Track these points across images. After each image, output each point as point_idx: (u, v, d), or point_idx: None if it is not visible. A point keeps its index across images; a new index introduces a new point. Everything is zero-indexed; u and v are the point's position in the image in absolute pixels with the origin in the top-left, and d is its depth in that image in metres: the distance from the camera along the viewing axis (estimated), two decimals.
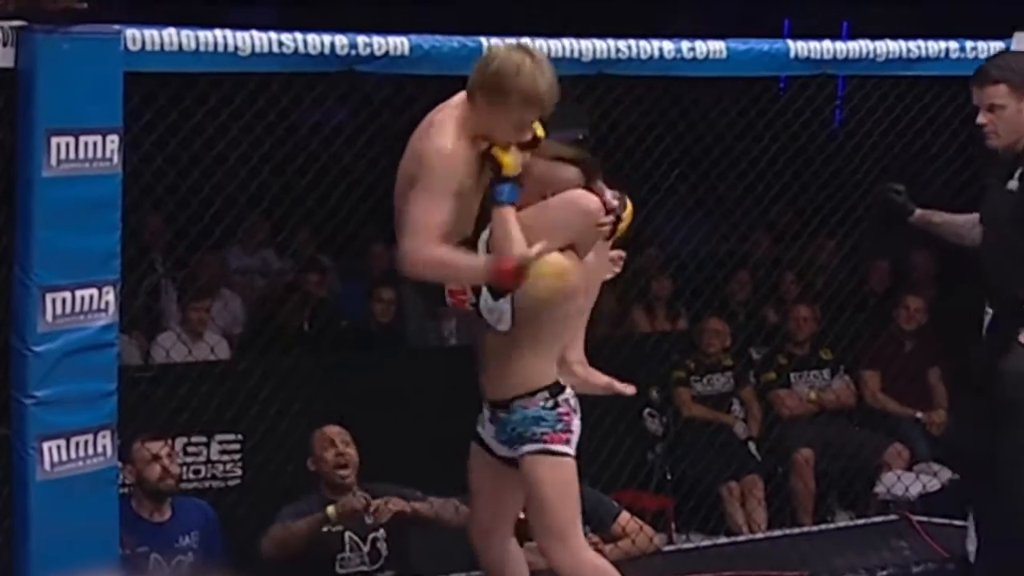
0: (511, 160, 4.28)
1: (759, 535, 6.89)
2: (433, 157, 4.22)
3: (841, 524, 7.03)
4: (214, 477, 7.13)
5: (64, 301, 4.33)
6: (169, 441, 5.67)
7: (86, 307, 4.38)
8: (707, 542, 6.58)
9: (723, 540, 6.63)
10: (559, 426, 4.43)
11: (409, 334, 7.98)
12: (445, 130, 4.25)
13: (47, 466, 4.36)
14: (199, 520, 5.62)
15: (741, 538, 6.80)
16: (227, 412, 6.48)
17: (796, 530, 6.82)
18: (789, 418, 7.65)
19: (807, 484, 7.42)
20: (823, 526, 6.94)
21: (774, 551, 6.15)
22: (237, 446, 7.14)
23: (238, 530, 5.88)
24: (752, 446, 7.61)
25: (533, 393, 4.45)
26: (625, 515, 6.11)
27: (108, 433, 4.49)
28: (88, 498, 4.44)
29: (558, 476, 4.42)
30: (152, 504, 5.58)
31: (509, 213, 4.27)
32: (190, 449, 7.00)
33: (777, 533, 6.78)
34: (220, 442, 7.12)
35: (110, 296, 4.43)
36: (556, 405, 4.45)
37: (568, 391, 4.51)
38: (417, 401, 6.78)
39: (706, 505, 7.03)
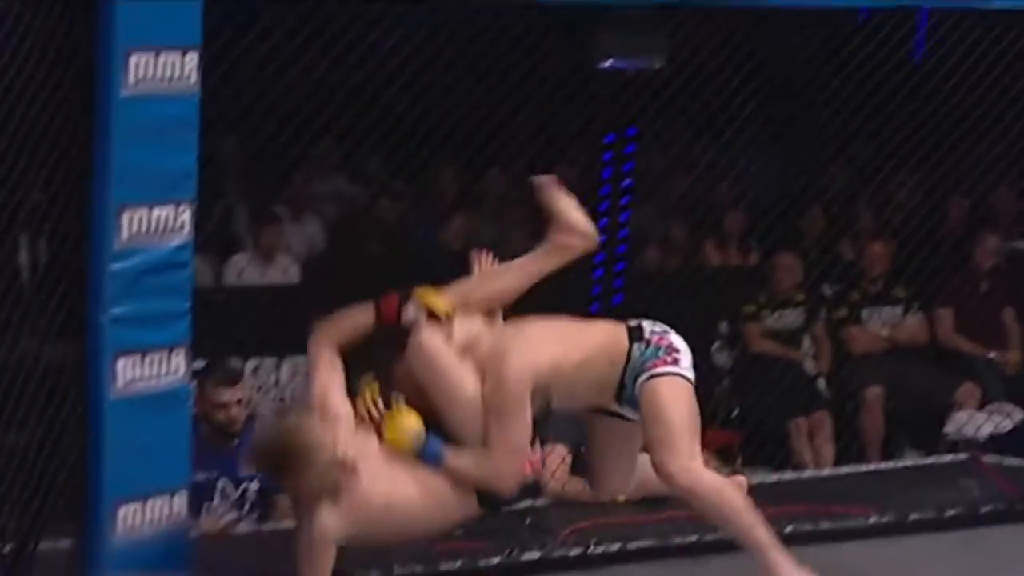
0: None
1: (826, 471, 6.88)
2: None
3: (909, 462, 7.01)
4: (283, 399, 7.20)
5: (140, 219, 4.37)
6: (240, 384, 5.68)
7: (162, 226, 4.42)
8: (773, 477, 6.59)
9: (789, 476, 6.64)
10: (660, 352, 4.57)
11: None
12: None
13: (121, 383, 4.42)
14: None
15: (807, 474, 6.79)
16: (297, 335, 6.53)
17: (864, 467, 6.83)
18: (860, 355, 7.61)
19: (876, 422, 7.39)
20: (891, 464, 6.94)
21: (841, 488, 6.14)
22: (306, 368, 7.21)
23: None
24: (821, 383, 7.58)
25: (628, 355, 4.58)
26: None
27: (182, 352, 4.54)
28: (161, 416, 4.51)
29: (666, 391, 4.52)
30: (223, 439, 5.63)
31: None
32: (260, 371, 7.07)
33: (844, 470, 6.78)
34: (291, 364, 7.19)
35: (186, 215, 4.48)
36: (647, 343, 4.58)
37: (648, 326, 4.63)
38: None
39: (773, 441, 7.03)
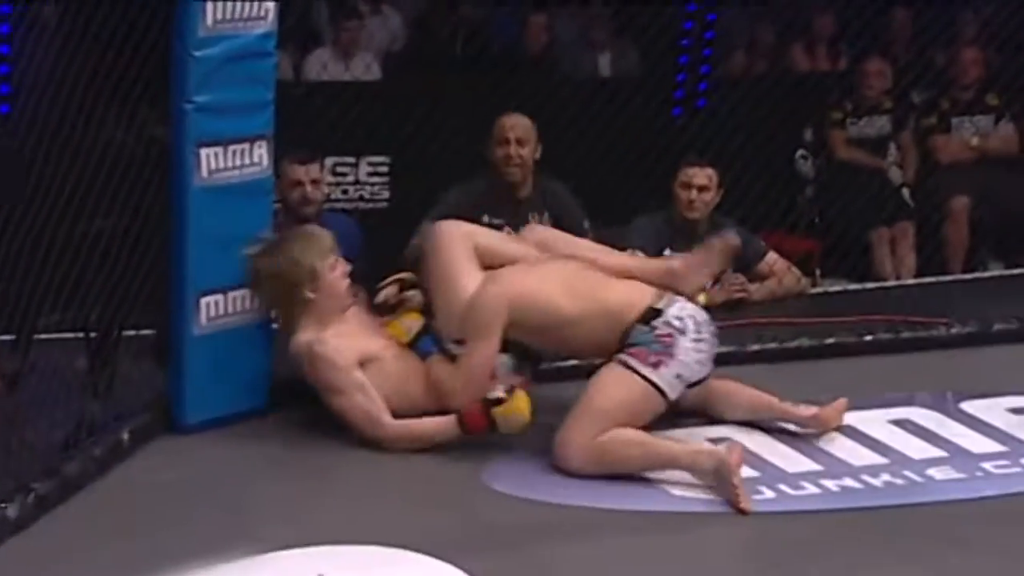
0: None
1: (908, 281, 6.85)
2: None
3: (993, 273, 6.97)
4: (361, 198, 7.22)
5: (225, 6, 4.36)
6: (316, 164, 5.65)
7: (246, 13, 4.40)
8: (854, 286, 6.57)
9: (871, 285, 6.62)
10: (652, 346, 4.42)
11: (563, 63, 7.91)
12: None
13: (204, 172, 4.43)
14: (344, 234, 5.67)
15: (889, 284, 6.77)
16: (377, 133, 6.53)
17: (946, 278, 6.79)
18: (947, 164, 7.49)
19: (961, 233, 7.30)
20: (974, 275, 6.89)
21: (922, 298, 6.14)
22: (386, 168, 7.21)
23: (382, 251, 5.96)
24: (906, 192, 7.49)
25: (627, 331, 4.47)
26: (773, 255, 6.13)
27: (264, 143, 4.55)
28: (243, 206, 4.53)
29: (613, 382, 4.42)
30: (297, 223, 5.63)
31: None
32: (339, 169, 7.07)
33: (927, 280, 6.75)
34: (369, 163, 7.19)
35: (270, 3, 4.45)
36: (652, 329, 4.44)
37: (674, 312, 4.48)
38: (568, 132, 6.74)
39: (855, 251, 6.98)
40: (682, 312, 4.48)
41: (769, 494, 4.32)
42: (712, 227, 6.08)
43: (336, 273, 4.57)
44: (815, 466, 4.51)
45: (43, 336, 4.62)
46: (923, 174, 7.47)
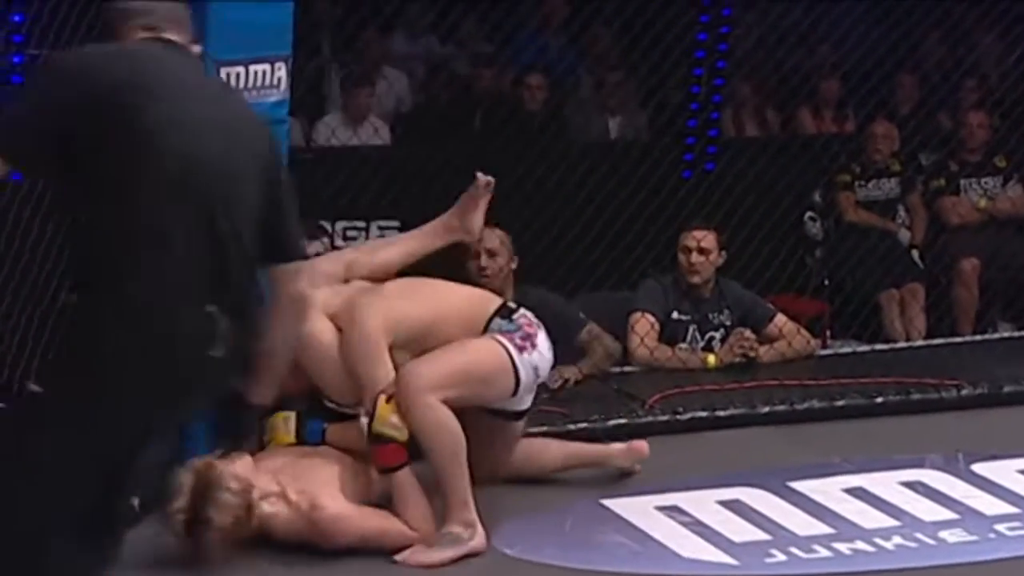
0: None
1: (918, 343, 6.88)
2: None
3: (1004, 335, 7.00)
4: None
5: (238, 76, 4.41)
6: (320, 241, 5.75)
7: (259, 82, 4.46)
8: (864, 348, 6.60)
9: (881, 347, 6.65)
10: (515, 330, 4.45)
11: (571, 126, 7.98)
12: None
13: None
14: None
15: (899, 345, 6.80)
16: (386, 197, 6.59)
17: (956, 339, 6.82)
18: (956, 226, 7.55)
19: (971, 293, 7.34)
20: (984, 336, 6.92)
21: (932, 359, 6.16)
22: (395, 232, 7.26)
23: None
24: (915, 254, 7.54)
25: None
26: (781, 317, 6.17)
27: None
28: None
29: (478, 344, 4.41)
30: None
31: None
32: (349, 233, 7.12)
33: (937, 341, 6.78)
34: (379, 227, 7.25)
35: (282, 72, 4.52)
36: (511, 320, 4.48)
37: (523, 309, 4.55)
38: (577, 196, 6.81)
39: (864, 312, 7.02)
40: (529, 312, 4.55)
41: (781, 557, 4.35)
42: (718, 290, 6.15)
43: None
44: (827, 529, 4.53)
45: None
46: (932, 236, 7.52)
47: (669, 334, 6.06)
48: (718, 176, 7.31)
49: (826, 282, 7.51)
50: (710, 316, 6.12)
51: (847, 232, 7.51)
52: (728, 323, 6.12)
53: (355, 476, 4.35)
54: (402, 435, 4.27)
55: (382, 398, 4.29)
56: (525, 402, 4.55)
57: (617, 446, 4.81)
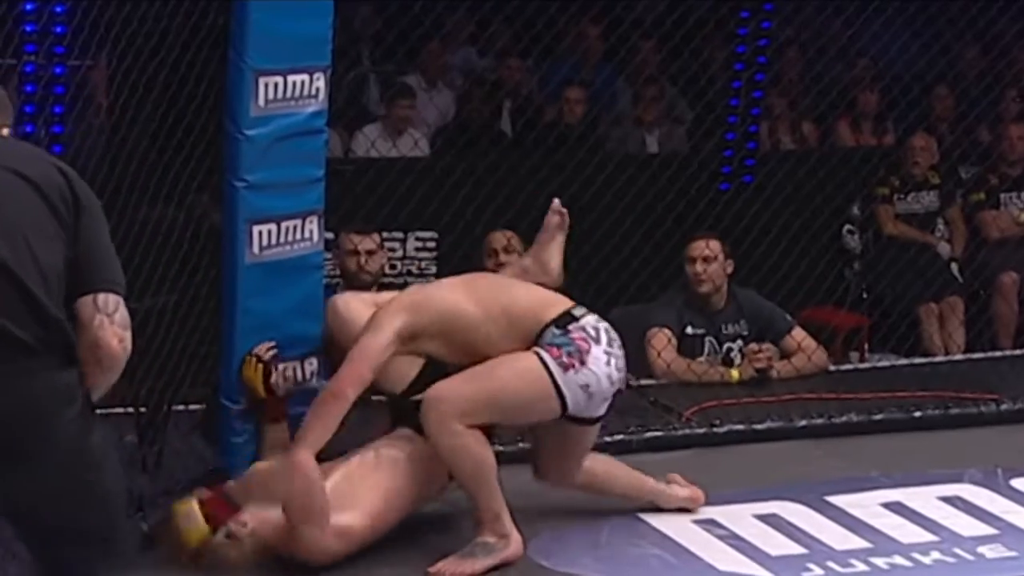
0: None
1: (957, 357, 6.83)
2: None
3: None
4: (409, 273, 7.28)
5: (276, 86, 4.42)
6: (371, 236, 5.76)
7: (297, 92, 4.46)
8: (902, 362, 6.56)
9: (919, 361, 6.61)
10: (565, 346, 4.24)
11: (609, 139, 7.97)
12: None
13: (256, 249, 4.49)
14: None
15: (938, 359, 6.76)
16: (425, 209, 6.59)
17: (996, 354, 6.77)
18: (996, 240, 7.50)
19: (1011, 308, 7.28)
20: None
21: (972, 374, 6.12)
22: (433, 243, 7.27)
23: None
24: (955, 267, 7.49)
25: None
26: (800, 331, 6.10)
27: (315, 219, 4.60)
28: (294, 281, 4.57)
29: (518, 365, 4.24)
30: (354, 291, 5.72)
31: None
32: (387, 244, 7.12)
33: (976, 356, 6.73)
34: (417, 238, 7.26)
35: (320, 83, 4.51)
36: (566, 332, 4.27)
37: (591, 321, 4.32)
38: (615, 209, 6.79)
39: (903, 325, 6.98)
40: (598, 323, 4.33)
41: (818, 571, 4.31)
42: (732, 300, 6.11)
43: None
44: (864, 543, 4.49)
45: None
46: (972, 249, 7.47)
47: (686, 350, 6.03)
48: (756, 189, 7.28)
49: (864, 295, 7.48)
50: (725, 327, 6.08)
51: (886, 245, 7.48)
52: (745, 333, 6.08)
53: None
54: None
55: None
56: (600, 409, 4.38)
57: (678, 491, 4.68)
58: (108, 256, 3.21)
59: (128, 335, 3.20)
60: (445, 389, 4.23)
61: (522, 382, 4.24)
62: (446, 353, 4.35)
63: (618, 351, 4.34)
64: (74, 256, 3.14)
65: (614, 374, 4.31)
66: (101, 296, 3.16)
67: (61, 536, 3.18)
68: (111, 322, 3.16)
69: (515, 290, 4.43)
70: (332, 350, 4.55)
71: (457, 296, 4.37)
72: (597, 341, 4.28)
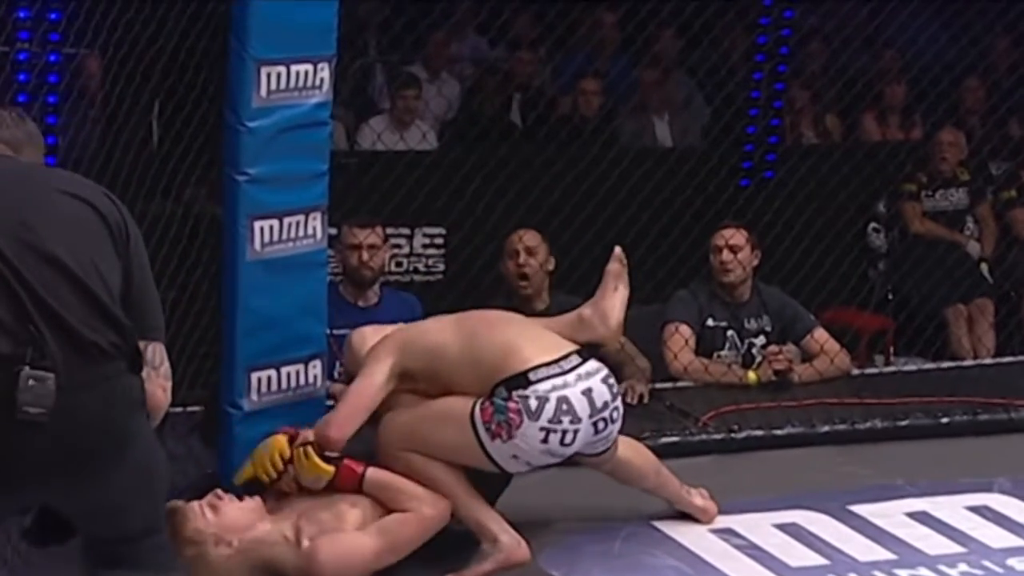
0: None
1: (987, 360, 6.83)
2: None
3: None
4: (416, 271, 7.29)
5: (279, 76, 4.42)
6: (375, 230, 5.77)
7: (301, 83, 4.47)
8: (929, 366, 6.56)
9: (947, 365, 6.60)
10: (499, 416, 4.19)
11: (624, 132, 7.98)
12: None
13: (258, 246, 4.49)
14: (406, 312, 5.75)
15: (967, 363, 6.75)
16: (432, 204, 6.60)
17: None
18: None
19: None
20: None
21: (1001, 378, 6.12)
22: (441, 240, 7.29)
23: None
24: (985, 267, 7.49)
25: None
26: (822, 333, 6.10)
27: (319, 215, 4.60)
28: (296, 279, 4.58)
29: (451, 431, 4.23)
30: (357, 290, 5.75)
31: None
32: (393, 241, 7.13)
33: (1006, 360, 6.73)
34: (425, 234, 7.27)
35: (325, 73, 4.51)
36: (507, 397, 4.20)
37: (543, 386, 4.20)
38: (631, 204, 6.80)
39: (930, 328, 6.98)
40: (551, 392, 4.19)
41: None
42: (756, 295, 6.12)
43: None
44: (888, 555, 4.49)
45: None
46: (1002, 249, 7.47)
47: (706, 343, 6.03)
48: (777, 184, 7.28)
49: (890, 296, 7.48)
50: (747, 322, 6.09)
51: (913, 244, 7.48)
52: (768, 329, 6.08)
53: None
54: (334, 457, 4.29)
55: (299, 451, 4.27)
56: (550, 461, 4.32)
57: (695, 498, 4.68)
58: (153, 298, 3.40)
59: (170, 385, 3.41)
60: (388, 418, 4.33)
61: (453, 433, 4.25)
62: (437, 393, 4.36)
63: (570, 425, 4.20)
64: (125, 290, 3.29)
65: (556, 449, 4.23)
66: (150, 348, 3.34)
67: (124, 540, 3.33)
68: (157, 375, 3.36)
69: (496, 334, 4.35)
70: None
71: (445, 337, 4.38)
72: (535, 416, 4.18)
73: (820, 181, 7.14)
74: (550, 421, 4.19)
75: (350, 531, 4.19)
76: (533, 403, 4.18)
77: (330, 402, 4.94)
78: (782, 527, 4.64)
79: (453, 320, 4.49)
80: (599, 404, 4.26)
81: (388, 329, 4.58)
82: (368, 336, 4.55)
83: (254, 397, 4.59)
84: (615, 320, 4.55)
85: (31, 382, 3.10)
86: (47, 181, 3.33)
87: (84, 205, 3.29)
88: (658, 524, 4.62)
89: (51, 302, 3.16)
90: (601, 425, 4.28)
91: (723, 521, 4.65)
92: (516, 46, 8.22)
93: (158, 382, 3.37)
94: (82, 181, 3.40)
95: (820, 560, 4.44)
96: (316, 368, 4.68)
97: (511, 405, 4.18)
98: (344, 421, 4.33)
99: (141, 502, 3.34)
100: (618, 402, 4.34)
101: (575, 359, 4.29)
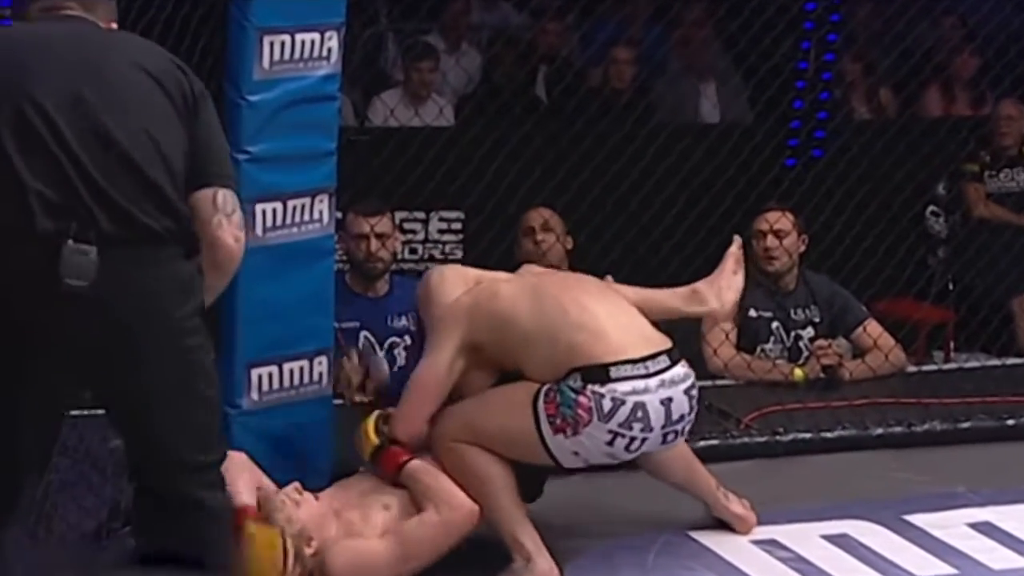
0: None
1: None
2: None
3: None
4: (432, 258, 7.31)
5: (283, 45, 4.43)
6: (385, 217, 5.76)
7: (307, 53, 4.47)
8: (993, 362, 6.55)
9: (1013, 361, 6.59)
10: (565, 410, 4.17)
11: (660, 107, 7.98)
12: None
13: (259, 231, 4.49)
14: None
15: None
16: (450, 185, 6.61)
17: None
18: None
19: None
20: None
21: None
22: (459, 224, 7.30)
23: None
24: None
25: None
26: (876, 327, 6.10)
27: (326, 197, 4.61)
28: (301, 268, 4.60)
29: (512, 420, 4.23)
30: (365, 280, 5.75)
31: None
32: (407, 225, 7.16)
33: None
34: (441, 219, 7.28)
35: (333, 42, 4.52)
36: (579, 391, 4.18)
37: (622, 386, 4.18)
38: (667, 185, 6.81)
39: (995, 321, 6.97)
40: (630, 396, 4.18)
41: None
42: (803, 283, 6.11)
43: None
44: (948, 569, 4.50)
45: (74, 413, 4.71)
46: None
47: (749, 335, 6.03)
48: (827, 164, 7.28)
49: (951, 286, 7.48)
50: (794, 312, 6.09)
51: (975, 229, 7.49)
52: (817, 320, 6.08)
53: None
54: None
55: (369, 417, 4.37)
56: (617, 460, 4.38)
57: (733, 505, 4.67)
58: (223, 151, 3.63)
59: (243, 236, 3.65)
60: (450, 413, 4.34)
61: (514, 423, 4.25)
62: (509, 367, 4.35)
63: (640, 432, 4.20)
64: (191, 150, 3.51)
65: (619, 453, 4.25)
66: (220, 193, 3.55)
67: (165, 444, 3.51)
68: (229, 222, 3.56)
69: (581, 310, 4.30)
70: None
71: (518, 304, 4.33)
72: (606, 418, 4.17)
73: (873, 160, 7.13)
74: (620, 425, 4.19)
75: (368, 537, 4.21)
76: (607, 404, 4.18)
77: (338, 401, 4.98)
78: (831, 538, 4.64)
79: (531, 283, 4.46)
80: (675, 416, 4.27)
81: (472, 273, 4.55)
82: (448, 281, 4.51)
83: (254, 395, 4.60)
84: (732, 298, 4.66)
85: (73, 255, 3.30)
86: (108, 49, 3.50)
87: (146, 76, 3.46)
88: (696, 535, 4.63)
89: (101, 181, 3.34)
90: (671, 437, 4.31)
91: (767, 532, 4.65)
92: (541, 13, 8.21)
93: (230, 230, 3.55)
94: (146, 48, 3.58)
95: (873, 574, 4.44)
96: (322, 365, 4.69)
97: (582, 400, 4.16)
98: (411, 418, 4.37)
99: (187, 408, 3.50)
100: (693, 415, 4.36)
101: (663, 361, 4.28)
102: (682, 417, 4.29)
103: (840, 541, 4.63)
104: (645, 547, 4.53)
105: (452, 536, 4.25)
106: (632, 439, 4.21)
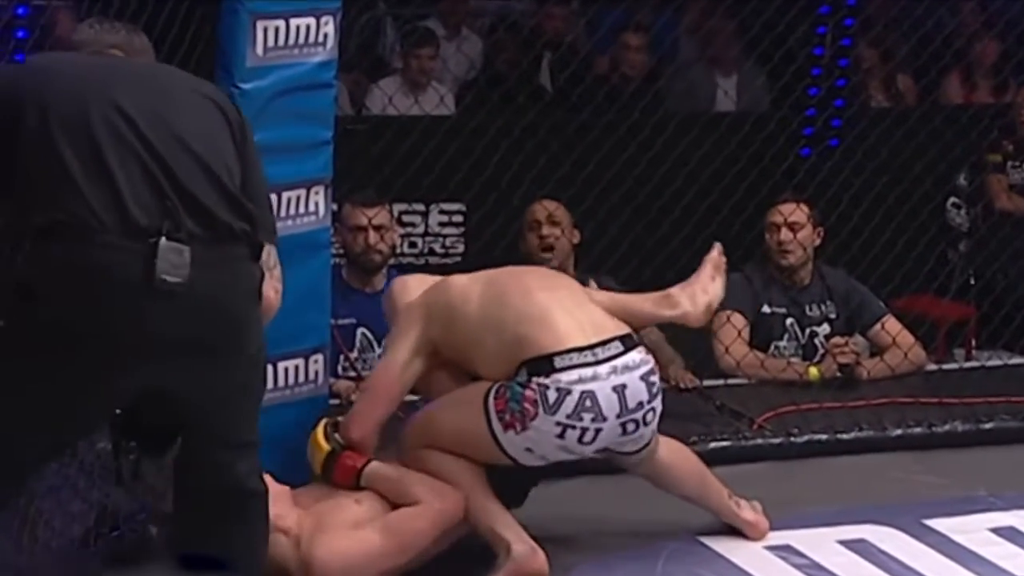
0: None
1: None
2: None
3: None
4: (432, 252, 7.31)
5: (277, 31, 4.44)
6: (383, 208, 5.78)
7: (302, 39, 4.49)
8: (1016, 360, 6.55)
9: None
10: (513, 404, 4.20)
11: (671, 95, 7.98)
12: None
13: None
14: None
15: None
16: (451, 176, 6.61)
17: None
18: None
19: None
20: None
21: None
22: (460, 217, 7.30)
23: None
24: None
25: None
26: (895, 323, 6.11)
27: (322, 189, 4.62)
28: (298, 263, 4.58)
29: (463, 420, 4.28)
30: (362, 275, 5.75)
31: None
32: (406, 219, 7.16)
33: None
34: (442, 211, 7.28)
35: (329, 28, 4.54)
36: (525, 384, 4.21)
37: (567, 375, 4.20)
38: (676, 176, 6.80)
39: (1018, 317, 6.97)
40: (576, 384, 4.18)
41: None
42: (818, 278, 6.11)
43: None
44: (970, 575, 4.50)
45: None
46: None
47: (762, 332, 6.04)
48: (843, 154, 7.27)
49: (972, 281, 7.46)
50: (809, 308, 6.09)
51: (998, 222, 7.47)
52: (833, 316, 6.09)
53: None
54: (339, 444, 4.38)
55: (319, 426, 4.41)
56: (569, 457, 4.40)
57: (745, 512, 4.68)
58: (266, 198, 3.86)
59: (282, 288, 3.90)
60: (415, 418, 4.41)
61: (466, 422, 4.29)
62: (467, 369, 4.40)
63: (592, 423, 4.20)
64: (243, 186, 3.72)
65: (573, 446, 4.25)
66: (264, 249, 3.75)
67: (227, 437, 3.74)
68: (271, 276, 3.80)
69: (528, 300, 4.34)
70: None
71: (468, 296, 4.39)
72: (551, 410, 4.18)
73: (892, 150, 7.12)
74: (569, 417, 4.20)
75: (347, 528, 4.22)
76: (552, 395, 4.19)
77: (334, 401, 4.97)
78: (848, 544, 4.64)
79: (486, 276, 4.48)
80: (632, 404, 4.26)
81: (433, 280, 4.60)
82: (410, 287, 4.58)
83: None
84: (705, 302, 4.63)
85: (169, 252, 3.49)
86: (168, 75, 3.79)
87: (208, 101, 3.73)
88: (706, 540, 4.64)
89: (186, 183, 3.56)
90: (631, 427, 4.29)
91: (781, 537, 4.66)
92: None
93: (271, 283, 3.79)
94: (203, 81, 3.86)
95: None
96: (318, 363, 4.70)
97: (527, 394, 4.19)
98: (363, 417, 4.40)
99: (248, 401, 3.76)
100: (656, 403, 4.34)
101: (616, 347, 4.29)
102: (640, 405, 4.27)
103: (857, 547, 4.64)
104: (654, 554, 4.54)
105: (442, 525, 4.27)
106: (584, 430, 4.21)
